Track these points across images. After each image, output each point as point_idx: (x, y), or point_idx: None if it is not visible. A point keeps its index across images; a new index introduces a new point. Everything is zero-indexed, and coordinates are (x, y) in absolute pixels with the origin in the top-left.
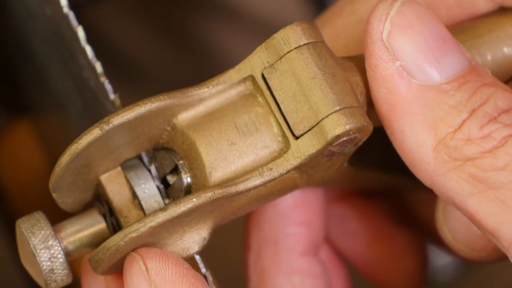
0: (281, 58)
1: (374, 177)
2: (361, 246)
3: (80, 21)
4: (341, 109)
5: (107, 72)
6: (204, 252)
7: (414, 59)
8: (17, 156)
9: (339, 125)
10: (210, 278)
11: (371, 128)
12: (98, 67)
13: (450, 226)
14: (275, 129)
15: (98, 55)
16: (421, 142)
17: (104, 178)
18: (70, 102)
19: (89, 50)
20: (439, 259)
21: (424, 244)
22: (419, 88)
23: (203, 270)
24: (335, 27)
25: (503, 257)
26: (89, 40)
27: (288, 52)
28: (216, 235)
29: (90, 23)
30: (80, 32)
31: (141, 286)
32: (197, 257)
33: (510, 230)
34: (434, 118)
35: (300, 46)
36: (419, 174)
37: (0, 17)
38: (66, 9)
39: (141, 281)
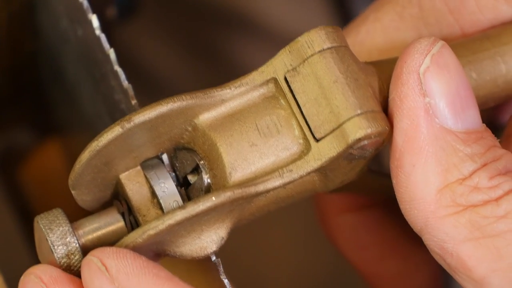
0: (304, 61)
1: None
2: (374, 259)
3: (111, 41)
4: (362, 113)
5: (136, 91)
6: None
7: (443, 101)
8: (46, 176)
9: (360, 128)
10: (226, 281)
11: (392, 132)
12: (130, 90)
13: None
14: (297, 132)
15: (128, 75)
16: (428, 181)
17: (123, 176)
18: (100, 123)
19: (121, 72)
20: None
21: None
22: (440, 129)
23: (222, 272)
24: (360, 33)
25: None
26: (119, 60)
27: (311, 55)
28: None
29: (119, 42)
30: (112, 55)
31: (104, 286)
32: (217, 260)
33: (500, 280)
34: (447, 162)
35: (323, 50)
36: (414, 213)
37: (32, 38)
38: (98, 31)
39: (102, 281)
